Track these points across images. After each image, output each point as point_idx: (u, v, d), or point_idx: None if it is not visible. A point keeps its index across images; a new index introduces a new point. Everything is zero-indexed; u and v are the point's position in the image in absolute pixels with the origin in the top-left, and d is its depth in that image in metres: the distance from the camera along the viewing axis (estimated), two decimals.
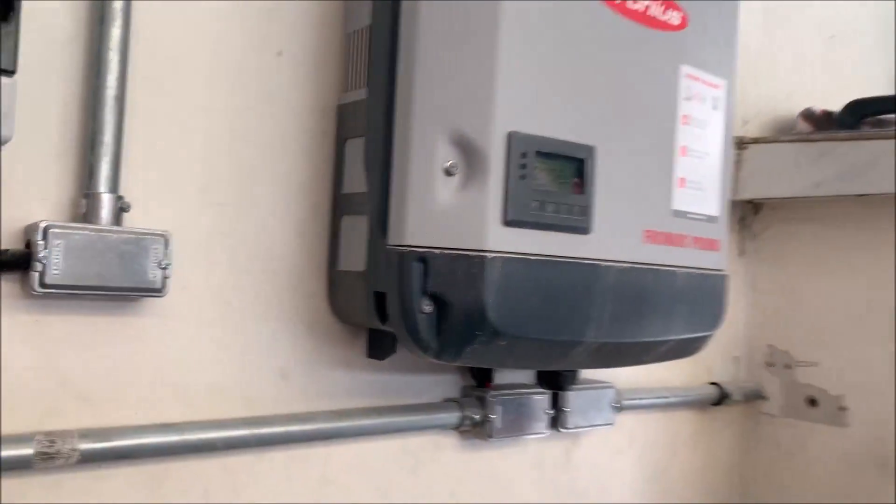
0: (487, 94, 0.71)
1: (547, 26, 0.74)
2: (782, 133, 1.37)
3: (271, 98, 0.81)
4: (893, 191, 1.11)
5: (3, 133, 0.55)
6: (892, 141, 1.13)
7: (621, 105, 0.81)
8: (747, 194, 1.28)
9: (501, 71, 0.71)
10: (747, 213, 1.34)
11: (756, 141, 1.27)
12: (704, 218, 0.90)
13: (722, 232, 0.93)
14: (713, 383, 1.26)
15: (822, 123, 1.32)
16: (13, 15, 0.54)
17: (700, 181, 0.89)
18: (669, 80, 0.85)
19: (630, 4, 0.80)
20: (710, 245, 0.91)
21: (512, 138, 0.71)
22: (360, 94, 0.81)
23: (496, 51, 0.71)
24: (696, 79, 0.88)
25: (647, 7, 0.82)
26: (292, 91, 0.83)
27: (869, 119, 1.26)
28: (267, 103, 0.81)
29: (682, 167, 0.87)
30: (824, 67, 1.50)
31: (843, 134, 1.21)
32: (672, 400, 1.20)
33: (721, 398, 1.25)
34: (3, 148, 0.60)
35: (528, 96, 0.73)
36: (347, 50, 0.84)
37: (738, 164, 1.28)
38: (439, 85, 0.71)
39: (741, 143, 1.28)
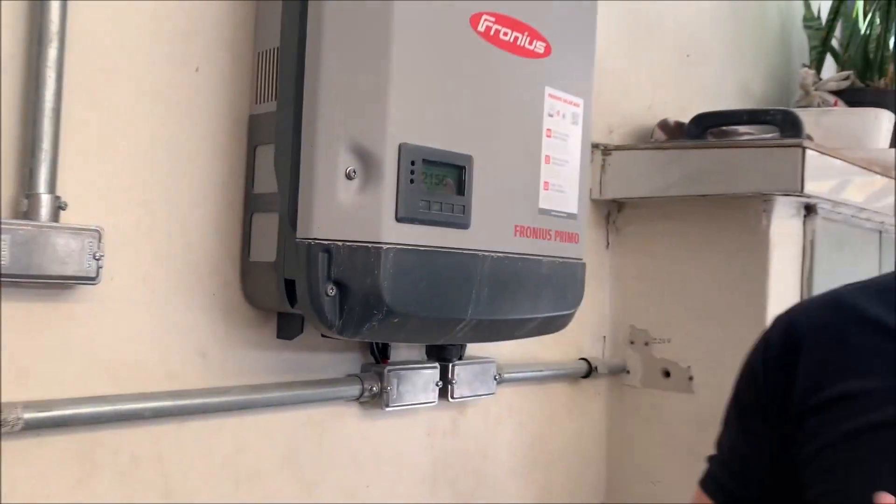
0: (381, 110, 0.85)
1: (432, 55, 0.88)
2: (641, 141, 1.56)
3: (190, 109, 0.92)
4: (731, 192, 1.32)
5: None
6: (730, 150, 1.34)
7: (495, 121, 0.96)
8: (611, 194, 1.47)
9: (393, 90, 0.85)
10: (612, 210, 1.53)
11: (618, 148, 1.47)
12: (565, 215, 1.06)
13: (580, 227, 1.10)
14: (583, 359, 1.44)
15: (675, 133, 1.52)
16: None
17: (561, 185, 1.06)
18: (535, 99, 1.01)
19: (502, 36, 0.95)
20: (570, 238, 1.08)
21: (402, 148, 0.85)
22: (269, 106, 0.93)
23: (389, 73, 0.85)
24: (558, 98, 1.04)
25: (516, 38, 0.97)
26: (209, 103, 0.94)
27: (713, 130, 1.47)
28: (186, 114, 0.92)
29: (546, 173, 1.03)
30: (680, 83, 1.71)
31: (689, 143, 1.42)
32: (547, 373, 1.37)
33: (589, 372, 1.43)
34: None
35: (415, 113, 0.87)
36: (257, 67, 0.96)
37: (604, 168, 1.47)
38: (340, 101, 0.85)
39: (606, 150, 1.47)
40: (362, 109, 0.84)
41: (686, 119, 1.52)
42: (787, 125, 1.34)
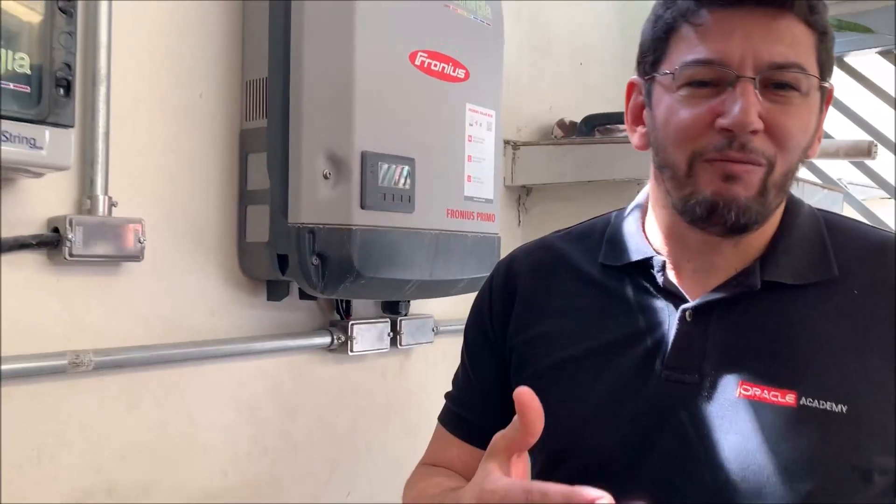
0: (349, 126, 1.15)
1: (384, 84, 1.19)
2: (544, 138, 1.91)
3: (197, 126, 1.20)
4: (611, 178, 1.67)
5: (64, 164, 0.92)
6: (609, 145, 1.70)
7: (431, 131, 1.28)
8: (520, 181, 1.81)
9: (357, 111, 1.15)
10: (522, 195, 1.87)
11: (525, 144, 1.81)
12: (484, 200, 1.39)
13: (496, 209, 1.43)
14: None
15: (570, 131, 1.87)
16: (72, 94, 0.91)
17: (481, 177, 1.39)
18: (459, 113, 1.33)
19: (433, 67, 1.27)
20: (488, 218, 1.41)
21: (364, 155, 1.16)
22: (257, 123, 1.22)
23: (353, 99, 1.15)
24: (476, 111, 1.37)
25: (443, 68, 1.29)
26: (211, 121, 1.22)
27: (600, 128, 1.83)
28: (195, 130, 1.20)
29: (469, 168, 1.36)
30: (576, 88, 2.06)
31: (578, 139, 1.77)
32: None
33: None
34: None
35: (373, 127, 1.18)
36: (246, 93, 1.24)
37: (514, 160, 1.81)
38: (318, 120, 1.15)
39: (515, 145, 1.81)
40: (335, 126, 1.15)
41: (579, 119, 1.88)
42: None
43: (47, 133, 0.89)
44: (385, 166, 1.19)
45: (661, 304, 0.77)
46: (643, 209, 0.83)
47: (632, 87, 0.81)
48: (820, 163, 2.46)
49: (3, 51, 0.85)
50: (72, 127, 0.92)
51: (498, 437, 0.61)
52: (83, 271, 1.06)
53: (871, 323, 0.72)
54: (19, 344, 0.99)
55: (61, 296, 1.04)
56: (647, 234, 0.81)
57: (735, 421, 0.70)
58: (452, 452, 0.90)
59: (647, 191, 0.83)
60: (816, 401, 0.69)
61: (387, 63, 1.20)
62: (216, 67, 1.22)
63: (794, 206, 0.79)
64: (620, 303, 0.78)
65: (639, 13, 2.22)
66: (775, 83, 0.69)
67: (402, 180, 1.22)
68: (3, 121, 0.85)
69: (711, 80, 0.70)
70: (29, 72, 0.87)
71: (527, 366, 0.82)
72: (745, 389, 0.71)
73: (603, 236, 0.84)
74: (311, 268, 1.15)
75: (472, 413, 0.89)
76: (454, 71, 1.31)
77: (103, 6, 1.06)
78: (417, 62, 1.24)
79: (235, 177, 1.25)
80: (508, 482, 0.58)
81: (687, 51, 0.71)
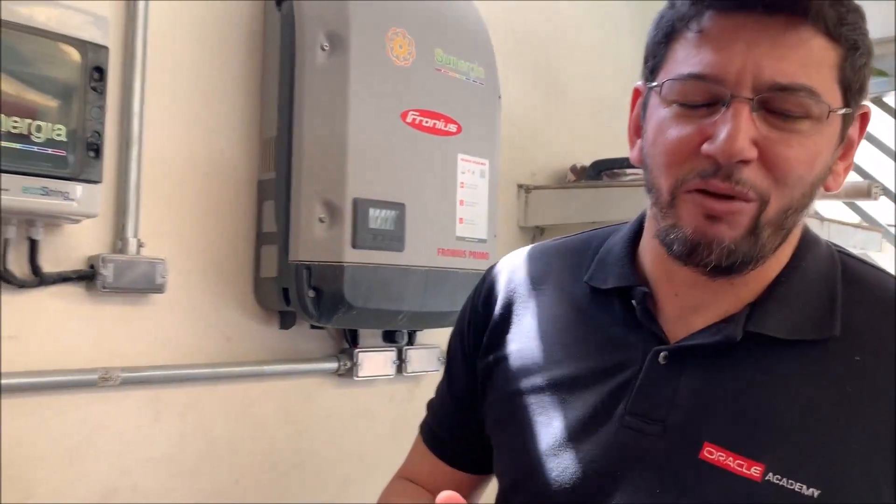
0: (342, 177, 1.32)
1: (375, 141, 1.36)
2: (560, 181, 2.04)
3: (222, 177, 1.40)
4: (612, 220, 1.78)
5: (93, 212, 1.12)
6: (610, 188, 1.81)
7: (421, 179, 1.43)
8: (533, 222, 1.94)
9: (349, 165, 1.32)
10: (536, 234, 1.99)
11: (536, 188, 1.94)
12: (476, 240, 1.53)
13: (490, 248, 1.56)
14: None
15: (581, 175, 1.99)
16: (100, 156, 1.12)
17: (473, 219, 1.53)
18: (451, 163, 1.48)
19: (424, 124, 1.43)
20: (481, 256, 1.54)
21: (356, 201, 1.33)
22: (270, 174, 1.41)
23: (346, 153, 1.32)
24: (468, 160, 1.52)
25: (434, 124, 1.45)
26: (233, 172, 1.42)
27: (608, 172, 1.94)
28: (217, 181, 1.40)
29: (461, 212, 1.50)
30: (594, 133, 2.18)
31: (583, 183, 1.89)
32: None
33: None
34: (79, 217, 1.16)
35: (364, 178, 1.34)
36: (263, 149, 1.44)
37: (527, 202, 1.94)
38: (315, 173, 1.32)
39: (528, 189, 1.94)
40: (329, 178, 1.32)
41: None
42: None
43: (79, 188, 1.10)
44: (375, 211, 1.35)
45: (636, 341, 0.69)
46: (639, 231, 0.75)
47: (636, 94, 0.73)
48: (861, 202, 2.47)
49: (46, 124, 1.06)
50: (99, 182, 1.13)
51: None
52: (114, 301, 1.26)
53: (865, 396, 0.61)
54: (59, 360, 1.20)
55: (95, 321, 1.24)
56: (638, 259, 0.73)
57: (693, 486, 0.62)
58: (425, 467, 0.87)
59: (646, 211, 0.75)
60: (784, 479, 0.60)
61: (378, 121, 1.37)
62: (237, 127, 1.42)
63: (806, 245, 0.69)
64: (595, 332, 0.72)
65: None
66: (778, 108, 0.60)
67: (392, 223, 1.38)
68: (43, 179, 1.05)
69: (705, 99, 0.61)
70: (65, 139, 1.08)
71: (493, 389, 0.78)
72: (710, 453, 0.63)
73: (596, 253, 0.76)
74: (307, 300, 1.31)
75: (444, 430, 0.85)
76: (446, 126, 1.47)
77: (137, 79, 1.27)
78: (409, 119, 1.41)
79: (253, 221, 1.44)
80: None
81: (683, 60, 0.62)
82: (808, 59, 0.59)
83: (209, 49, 1.38)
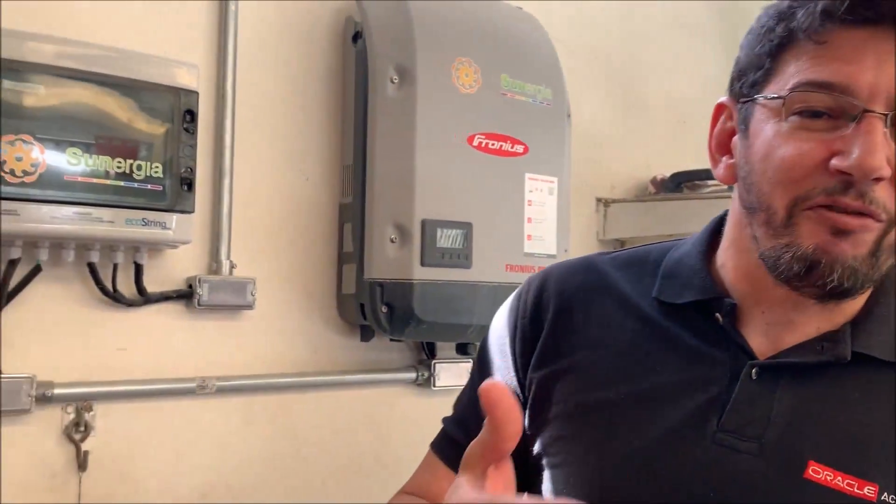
0: (410, 200, 1.41)
1: (443, 164, 1.44)
2: (640, 194, 2.05)
3: (306, 202, 1.53)
4: (689, 231, 1.78)
5: (186, 240, 1.27)
6: (687, 200, 1.81)
7: (488, 198, 1.51)
8: (612, 236, 1.97)
9: (418, 188, 1.41)
10: (616, 247, 2.02)
11: (615, 201, 1.97)
12: (545, 255, 1.59)
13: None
14: None
15: (661, 187, 2.00)
16: (193, 189, 1.26)
17: (542, 235, 1.58)
18: (518, 182, 1.55)
19: (490, 147, 1.50)
20: None
21: (424, 222, 1.42)
22: (349, 199, 1.53)
23: (414, 178, 1.41)
24: (536, 179, 1.58)
25: (501, 146, 1.52)
26: (316, 198, 1.54)
27: (688, 184, 1.94)
28: (302, 206, 1.52)
29: (529, 228, 1.56)
30: (676, 145, 2.18)
31: (662, 195, 1.90)
32: None
33: None
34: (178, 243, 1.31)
35: (432, 200, 1.43)
36: (342, 175, 1.56)
37: (606, 216, 1.98)
38: (386, 197, 1.42)
39: (607, 203, 1.97)
40: (399, 201, 1.42)
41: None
42: None
43: (174, 218, 1.25)
44: (443, 230, 1.44)
45: (722, 355, 0.65)
46: (712, 244, 0.72)
47: (720, 109, 0.70)
48: None
49: (145, 162, 1.21)
50: (192, 213, 1.27)
51: (472, 444, 0.50)
52: (210, 317, 1.41)
53: None
54: (162, 370, 1.35)
55: (193, 335, 1.39)
56: (714, 273, 0.69)
57: None
58: (440, 483, 0.79)
59: (719, 225, 0.73)
60: None
61: (445, 146, 1.45)
62: (319, 156, 1.55)
63: (890, 269, 0.66)
64: (673, 345, 0.67)
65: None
66: None
67: (459, 241, 1.46)
68: (143, 211, 1.21)
69: (830, 111, 0.58)
70: (161, 175, 1.23)
71: (549, 404, 0.71)
72: (816, 471, 0.59)
73: (658, 266, 0.72)
74: (381, 314, 1.41)
75: (471, 437, 0.79)
76: (512, 147, 1.54)
77: (228, 117, 1.42)
78: (475, 143, 1.49)
79: (335, 242, 1.56)
80: (476, 496, 0.47)
81: (802, 72, 0.58)
82: None
83: (292, 85, 1.51)
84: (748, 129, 0.64)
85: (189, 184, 1.27)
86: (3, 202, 1.10)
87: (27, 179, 1.12)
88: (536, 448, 0.72)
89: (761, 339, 0.66)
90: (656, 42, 2.15)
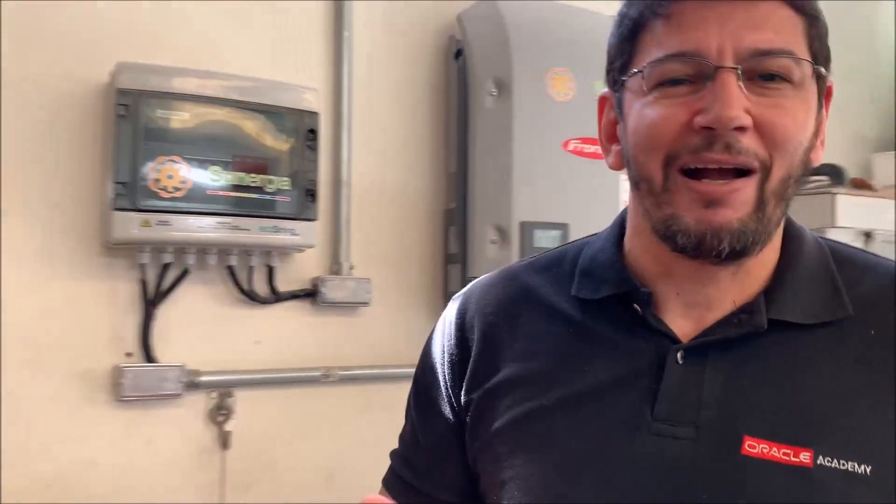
0: (509, 204, 1.52)
1: (539, 168, 1.54)
2: None
3: (415, 208, 1.66)
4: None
5: (311, 244, 1.43)
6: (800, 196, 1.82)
7: (583, 200, 1.59)
8: None
9: (515, 193, 1.52)
10: None
11: None
12: None
13: None
14: None
15: None
16: (316, 199, 1.42)
17: None
18: (613, 183, 1.62)
19: (585, 150, 1.59)
20: None
21: (522, 224, 1.52)
22: (453, 204, 1.65)
23: (512, 183, 1.52)
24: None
25: (595, 149, 1.60)
26: (424, 204, 1.68)
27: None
28: (413, 211, 1.66)
29: None
30: None
31: None
32: None
33: None
34: (305, 249, 1.47)
35: (529, 202, 1.53)
36: (447, 182, 1.68)
37: None
38: (487, 201, 1.54)
39: None
40: (499, 205, 1.53)
41: None
42: (834, 175, 1.80)
43: (300, 225, 1.41)
44: (540, 231, 1.54)
45: (646, 345, 0.65)
46: (621, 234, 0.72)
47: (603, 102, 0.71)
48: None
49: (275, 177, 1.38)
50: (315, 220, 1.43)
51: None
52: (332, 313, 1.57)
53: (892, 369, 0.61)
54: (291, 361, 1.52)
55: (318, 329, 1.55)
56: (627, 263, 0.69)
57: (742, 484, 0.59)
58: None
59: (625, 213, 0.73)
60: (836, 460, 0.58)
61: (541, 152, 1.55)
62: (427, 165, 1.69)
63: (796, 233, 0.68)
64: (598, 343, 0.67)
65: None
66: (762, 74, 0.59)
67: (556, 241, 1.55)
68: (274, 220, 1.38)
69: (687, 77, 0.60)
70: (289, 188, 1.39)
71: (487, 421, 0.69)
72: (752, 446, 0.60)
73: (575, 265, 0.72)
74: None
75: (420, 479, 0.75)
76: None
77: (344, 133, 1.58)
78: (570, 147, 1.58)
79: (442, 244, 1.69)
80: None
81: (656, 47, 0.61)
82: (780, 27, 0.59)
83: (401, 101, 1.66)
84: (623, 112, 0.65)
85: (312, 195, 1.42)
86: (158, 214, 1.29)
87: (177, 195, 1.31)
88: (480, 470, 0.71)
89: (683, 323, 0.65)
90: None
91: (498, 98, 1.54)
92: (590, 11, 1.71)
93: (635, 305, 0.66)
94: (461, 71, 1.60)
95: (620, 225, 0.72)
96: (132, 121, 1.29)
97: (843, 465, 0.58)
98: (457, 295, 0.79)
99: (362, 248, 1.60)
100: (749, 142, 0.58)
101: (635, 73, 0.62)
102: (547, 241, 1.54)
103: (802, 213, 1.87)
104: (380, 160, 1.64)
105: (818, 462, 0.58)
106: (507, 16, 1.57)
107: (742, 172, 0.58)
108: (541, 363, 0.68)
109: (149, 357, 1.39)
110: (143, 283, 1.38)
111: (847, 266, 0.66)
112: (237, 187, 1.35)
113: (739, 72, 0.58)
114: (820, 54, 0.61)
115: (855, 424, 0.59)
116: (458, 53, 1.63)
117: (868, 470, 0.58)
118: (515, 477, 0.64)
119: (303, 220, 1.41)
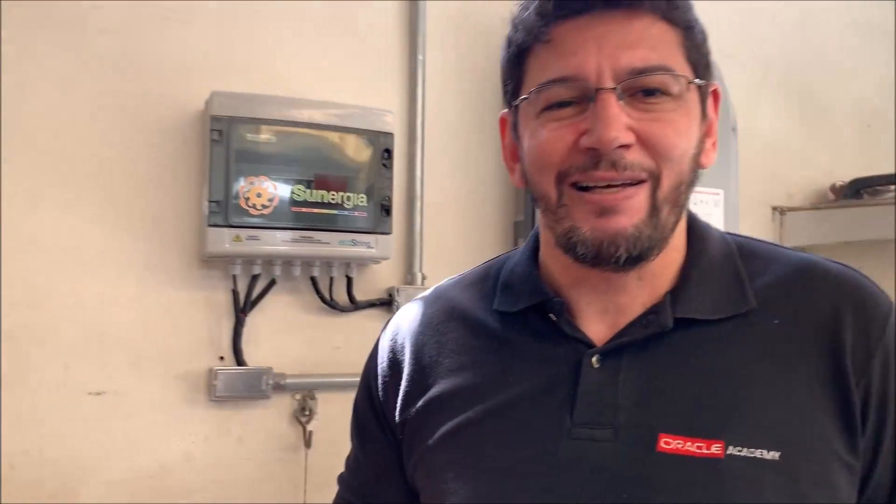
0: None
1: None
2: (819, 201, 2.05)
3: (486, 220, 1.73)
4: (865, 238, 1.78)
5: (386, 256, 1.51)
6: (863, 208, 1.80)
7: None
8: (789, 244, 1.98)
9: None
10: None
11: (790, 209, 1.98)
12: None
13: None
14: None
15: (840, 194, 1.99)
16: (390, 214, 1.51)
17: None
18: None
19: None
20: None
21: None
22: (521, 217, 1.71)
23: None
24: (700, 192, 1.66)
25: None
26: (494, 216, 1.74)
27: (868, 189, 1.91)
28: (483, 223, 1.73)
29: None
30: (861, 150, 2.14)
31: (838, 202, 1.89)
32: None
33: None
34: (382, 259, 1.56)
35: None
36: (517, 196, 1.74)
37: (782, 224, 2.00)
38: None
39: (782, 211, 2.00)
40: None
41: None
42: None
43: (376, 239, 1.50)
44: None
45: (563, 352, 0.67)
46: (537, 247, 0.74)
47: (503, 122, 0.74)
48: None
49: (353, 194, 1.48)
50: (390, 234, 1.52)
51: None
52: None
53: (795, 357, 0.63)
54: None
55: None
56: (542, 275, 0.71)
57: (659, 480, 0.61)
58: None
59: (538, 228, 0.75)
60: (746, 449, 0.61)
61: None
62: (496, 179, 1.75)
63: (700, 232, 0.70)
64: (519, 354, 0.69)
65: None
66: (642, 90, 0.61)
67: None
68: (352, 234, 1.47)
69: (573, 98, 0.62)
70: (365, 204, 1.49)
71: (422, 438, 0.71)
72: (667, 443, 0.62)
73: (498, 280, 0.74)
74: None
75: (365, 500, 0.79)
76: None
77: (418, 151, 1.66)
78: None
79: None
80: None
81: (541, 72, 0.64)
82: (655, 43, 0.62)
83: (471, 118, 1.73)
84: (518, 133, 0.68)
85: (387, 210, 1.51)
86: (248, 230, 1.41)
87: (264, 211, 1.42)
88: (419, 486, 0.73)
89: (598, 328, 0.67)
90: (834, 46, 2.13)
91: None
92: None
93: (551, 315, 0.68)
94: None
95: (536, 238, 0.75)
96: (224, 144, 1.41)
97: (753, 453, 0.60)
98: (389, 320, 0.82)
99: (435, 259, 1.68)
100: (634, 156, 0.60)
101: (524, 98, 0.65)
102: None
103: (881, 224, 1.84)
104: (451, 175, 1.72)
105: (729, 452, 0.60)
106: None
107: (633, 182, 0.61)
108: (468, 378, 0.69)
109: (239, 360, 1.51)
110: (235, 293, 1.51)
111: (752, 259, 0.68)
112: (318, 204, 1.45)
113: (619, 91, 0.60)
114: (698, 63, 0.64)
115: (762, 413, 0.61)
116: None
117: (777, 456, 0.60)
118: (449, 490, 0.66)
119: (379, 234, 1.50)
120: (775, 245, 0.72)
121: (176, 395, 1.50)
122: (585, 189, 0.62)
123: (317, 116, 1.46)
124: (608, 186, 0.61)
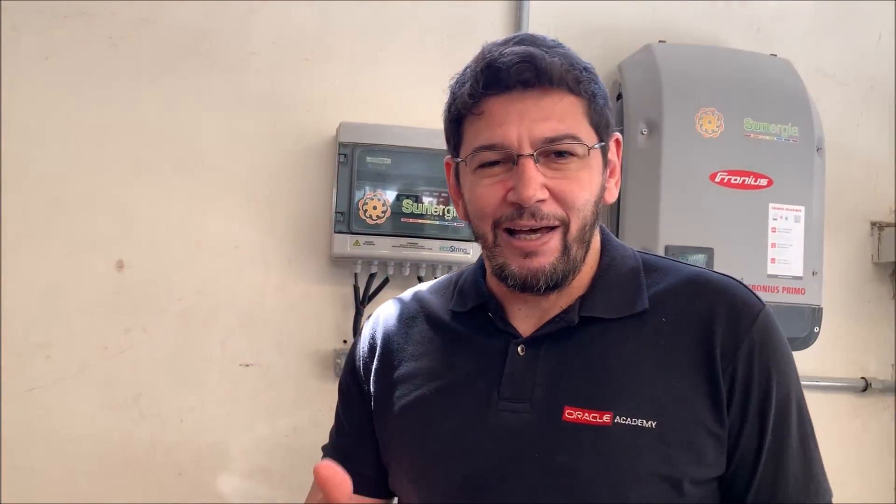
0: (655, 230, 1.72)
1: (685, 199, 1.73)
2: None
3: None
4: None
5: None
6: None
7: (730, 226, 1.74)
8: (886, 259, 2.02)
9: (661, 219, 1.72)
10: (890, 270, 2.05)
11: (888, 225, 2.02)
12: (790, 277, 1.76)
13: (807, 284, 1.76)
14: (862, 378, 2.00)
15: None
16: None
17: (787, 259, 1.76)
18: (762, 210, 1.75)
19: (732, 182, 1.74)
20: (797, 291, 1.76)
21: (668, 247, 1.72)
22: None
23: (659, 211, 1.72)
24: (780, 208, 1.77)
25: (743, 181, 1.75)
26: None
27: None
28: None
29: (773, 253, 1.76)
30: None
31: None
32: (826, 384, 1.98)
33: (866, 387, 1.99)
34: None
35: (675, 228, 1.72)
36: (603, 210, 1.92)
37: (880, 239, 2.03)
38: (636, 226, 1.75)
39: (880, 227, 2.03)
40: (646, 230, 1.74)
41: None
42: None
43: (472, 246, 1.74)
44: (685, 255, 1.72)
45: (497, 343, 0.85)
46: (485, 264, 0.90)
47: (448, 165, 0.89)
48: None
49: (453, 208, 1.73)
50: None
51: None
52: None
53: (676, 348, 0.79)
54: None
55: None
56: (487, 284, 0.89)
57: (562, 443, 0.77)
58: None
59: None
60: (629, 419, 0.77)
61: (688, 183, 1.74)
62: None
63: (612, 251, 0.88)
64: (464, 344, 0.87)
65: None
66: (554, 152, 0.78)
67: (701, 264, 1.72)
68: (451, 241, 1.72)
69: (500, 160, 0.78)
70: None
71: (387, 409, 0.89)
72: (570, 414, 0.78)
73: (456, 287, 0.93)
74: None
75: (349, 460, 0.85)
76: (755, 181, 1.76)
77: None
78: (717, 179, 1.74)
79: None
80: None
81: (475, 137, 0.80)
82: (564, 115, 0.78)
83: None
84: (459, 181, 0.85)
85: None
86: (365, 236, 1.70)
87: (379, 221, 1.70)
88: (383, 449, 0.91)
89: (525, 326, 0.84)
90: None
91: (648, 137, 1.76)
92: (735, 51, 1.86)
93: (489, 314, 0.87)
94: (619, 112, 1.84)
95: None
96: (349, 165, 1.70)
97: (635, 422, 0.76)
98: (373, 312, 1.01)
99: None
100: (549, 208, 0.78)
101: (461, 160, 0.82)
102: (689, 260, 1.72)
103: None
104: None
105: (616, 421, 0.77)
106: (660, 61, 1.78)
107: (549, 228, 0.79)
108: (424, 362, 0.89)
109: None
110: (356, 288, 1.80)
111: (653, 272, 0.86)
112: (423, 215, 1.71)
113: (535, 156, 0.77)
114: (600, 124, 0.81)
115: (645, 391, 0.78)
116: (619, 97, 1.87)
117: (654, 425, 0.76)
118: (405, 450, 0.84)
119: (473, 241, 1.74)
120: (676, 261, 0.91)
121: (308, 370, 1.81)
122: (513, 233, 0.80)
123: (424, 142, 1.72)
124: (531, 231, 0.79)
